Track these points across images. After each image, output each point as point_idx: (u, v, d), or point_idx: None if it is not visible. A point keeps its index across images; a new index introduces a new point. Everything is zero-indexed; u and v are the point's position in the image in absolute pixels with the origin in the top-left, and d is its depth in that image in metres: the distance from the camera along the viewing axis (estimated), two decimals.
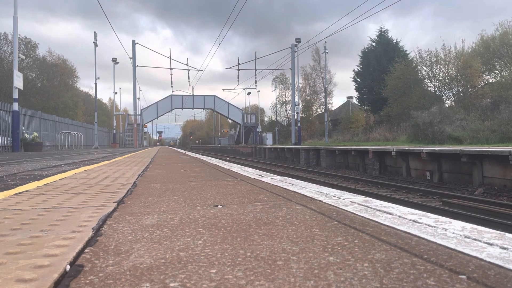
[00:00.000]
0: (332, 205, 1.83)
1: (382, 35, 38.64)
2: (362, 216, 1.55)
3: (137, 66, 35.10)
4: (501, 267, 0.92)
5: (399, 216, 1.54)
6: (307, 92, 49.50)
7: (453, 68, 27.85)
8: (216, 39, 36.01)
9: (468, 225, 1.36)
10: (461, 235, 1.22)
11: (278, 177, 3.44)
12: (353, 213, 1.63)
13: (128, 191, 2.52)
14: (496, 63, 28.27)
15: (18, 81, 14.04)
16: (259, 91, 62.70)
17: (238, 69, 37.48)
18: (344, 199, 2.02)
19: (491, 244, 1.11)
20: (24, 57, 32.95)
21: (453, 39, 47.05)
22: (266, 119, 64.64)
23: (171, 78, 38.90)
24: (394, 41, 38.14)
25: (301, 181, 3.07)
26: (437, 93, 29.57)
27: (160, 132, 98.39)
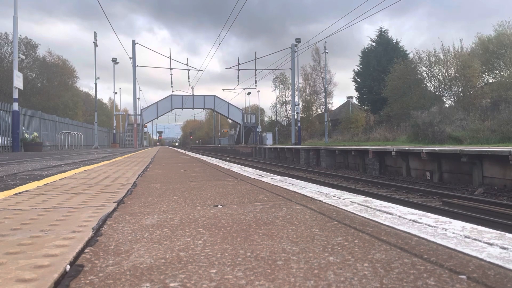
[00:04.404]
0: (332, 205, 1.83)
1: (382, 35, 38.59)
2: (362, 216, 1.55)
3: (137, 66, 35.10)
4: (501, 267, 0.92)
5: (399, 216, 1.54)
6: (307, 92, 49.49)
7: (452, 68, 27.84)
8: (216, 39, 36.02)
9: (468, 225, 1.36)
10: (461, 235, 1.22)
11: (278, 177, 3.44)
12: (353, 213, 1.63)
13: (128, 191, 2.52)
14: (495, 63, 28.24)
15: (18, 81, 14.05)
16: (259, 91, 62.86)
17: (238, 69, 37.52)
18: (344, 199, 2.02)
19: (491, 244, 1.11)
20: (24, 57, 32.98)
21: (449, 39, 47.19)
22: (266, 119, 64.57)
23: (171, 78, 38.92)
24: (394, 41, 38.12)
25: (301, 181, 3.07)
26: (436, 93, 29.56)
27: (160, 132, 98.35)
